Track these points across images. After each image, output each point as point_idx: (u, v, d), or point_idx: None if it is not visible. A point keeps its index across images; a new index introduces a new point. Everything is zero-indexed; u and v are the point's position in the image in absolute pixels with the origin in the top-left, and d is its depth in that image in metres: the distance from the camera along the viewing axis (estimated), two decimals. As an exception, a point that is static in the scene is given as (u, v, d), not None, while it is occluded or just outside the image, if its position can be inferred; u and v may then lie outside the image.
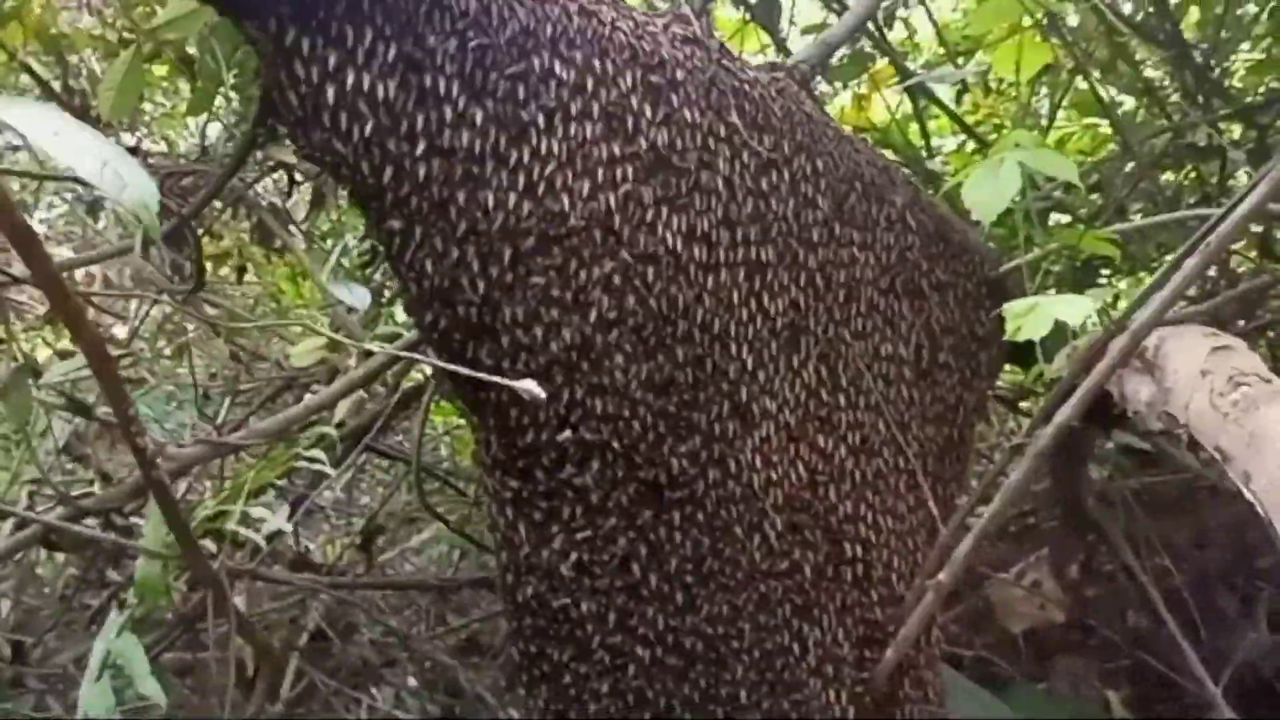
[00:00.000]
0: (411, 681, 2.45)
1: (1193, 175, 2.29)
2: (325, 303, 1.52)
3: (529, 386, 0.75)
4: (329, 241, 2.10)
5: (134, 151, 2.16)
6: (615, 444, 1.04)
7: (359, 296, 1.40)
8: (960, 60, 2.15)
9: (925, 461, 1.43)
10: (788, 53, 1.84)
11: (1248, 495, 0.72)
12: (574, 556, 1.04)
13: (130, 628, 1.02)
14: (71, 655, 1.61)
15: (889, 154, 2.33)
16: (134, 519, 1.49)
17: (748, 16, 2.02)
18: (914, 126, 2.23)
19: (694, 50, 1.14)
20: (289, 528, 1.12)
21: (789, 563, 1.21)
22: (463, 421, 2.26)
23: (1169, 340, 0.92)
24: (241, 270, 2.44)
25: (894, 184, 1.38)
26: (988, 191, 1.35)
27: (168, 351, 2.58)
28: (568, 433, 1.01)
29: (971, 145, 2.21)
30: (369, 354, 1.42)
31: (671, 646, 1.10)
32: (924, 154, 2.25)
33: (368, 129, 0.92)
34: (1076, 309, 1.06)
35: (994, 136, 2.14)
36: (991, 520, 1.08)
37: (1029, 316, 1.08)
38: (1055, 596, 2.25)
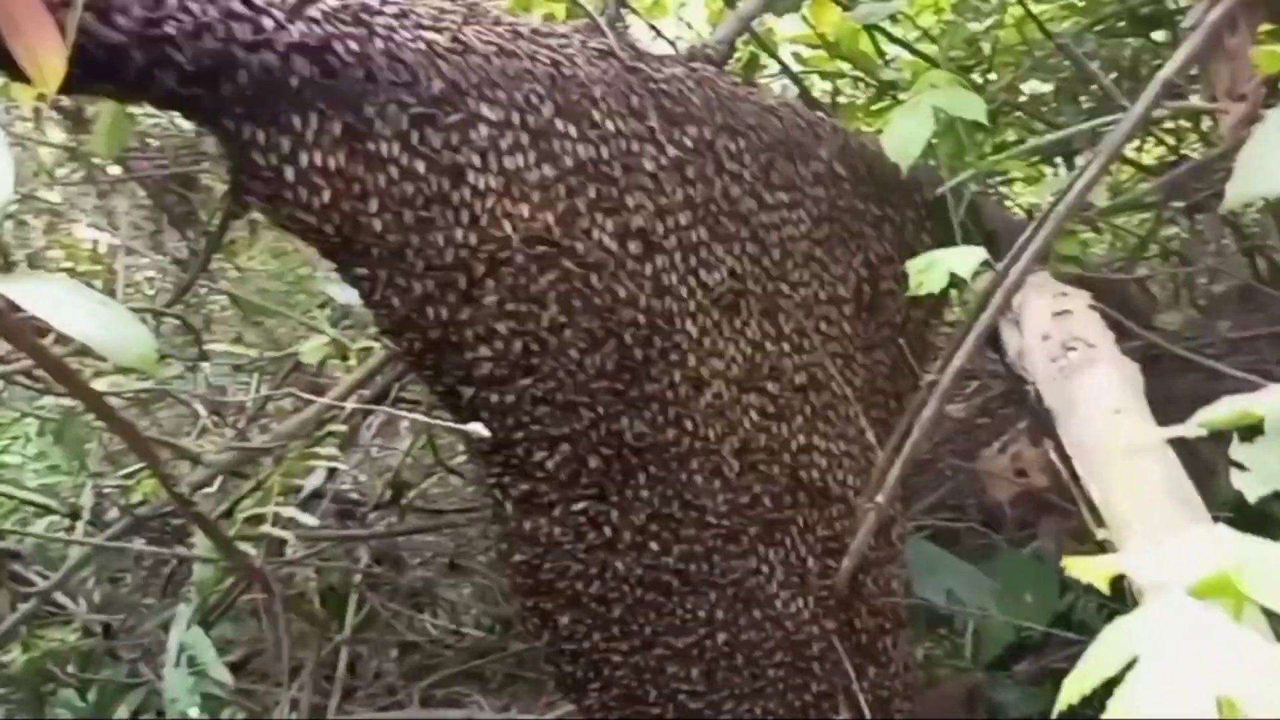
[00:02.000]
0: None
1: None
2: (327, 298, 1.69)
3: (475, 429, 0.92)
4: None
5: (126, 168, 2.32)
6: (577, 427, 1.22)
7: (351, 293, 1.56)
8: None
9: (875, 382, 1.59)
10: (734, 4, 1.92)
11: (1070, 453, 0.87)
12: (555, 526, 1.23)
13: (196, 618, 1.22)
14: (155, 622, 1.85)
15: (844, 65, 2.42)
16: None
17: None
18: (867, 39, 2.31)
19: (610, 62, 1.26)
20: (315, 522, 1.32)
21: (750, 497, 1.39)
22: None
23: (1028, 298, 1.06)
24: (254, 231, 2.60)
25: (820, 139, 1.50)
26: (903, 137, 1.48)
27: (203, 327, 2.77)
28: (534, 426, 1.19)
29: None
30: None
31: (649, 585, 1.30)
32: (879, 63, 2.34)
33: (325, 197, 1.06)
34: (968, 260, 1.20)
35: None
36: (913, 449, 1.25)
37: (927, 271, 1.22)
38: (1037, 464, 2.43)
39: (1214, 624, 0.35)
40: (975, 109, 1.47)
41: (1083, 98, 2.51)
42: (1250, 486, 0.54)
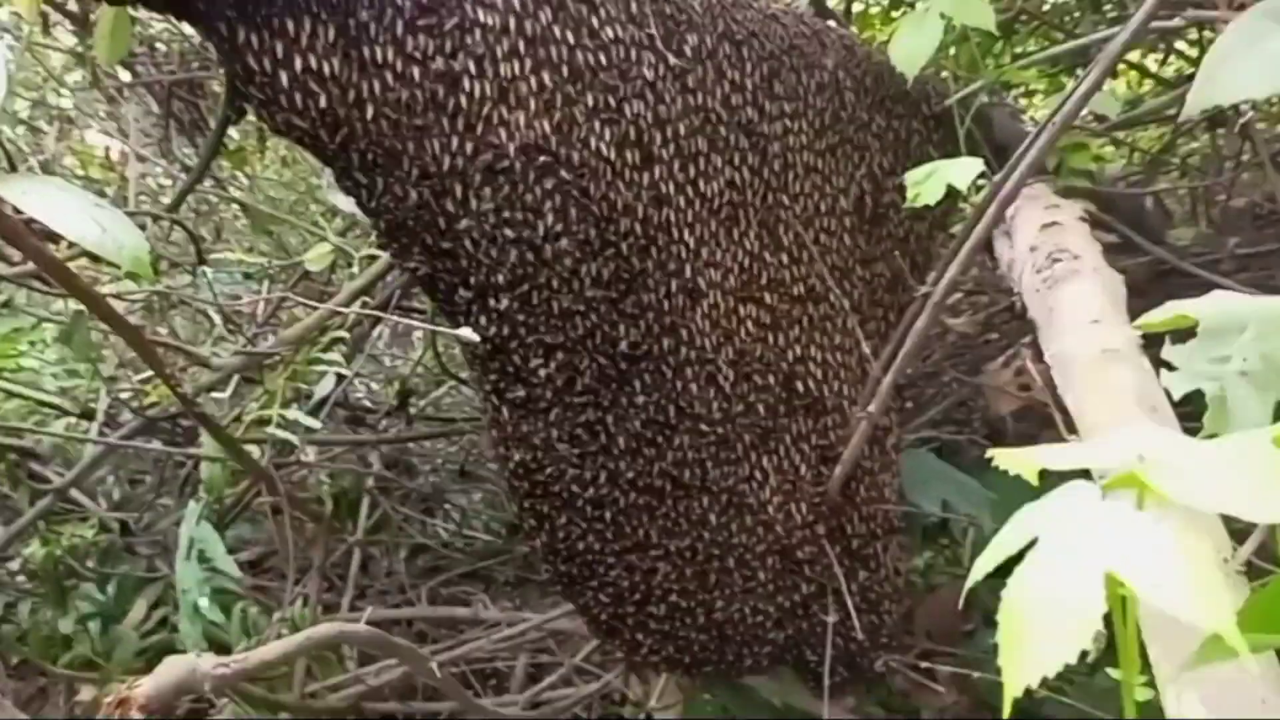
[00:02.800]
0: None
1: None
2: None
3: (465, 334, 0.94)
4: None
5: (134, 74, 2.31)
6: (572, 335, 1.24)
7: (353, 202, 1.58)
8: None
9: (875, 294, 1.60)
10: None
11: (1049, 363, 0.89)
12: (550, 430, 1.26)
13: (206, 514, 1.27)
14: (171, 520, 1.91)
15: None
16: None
17: None
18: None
19: (610, -32, 1.24)
20: (316, 424, 1.35)
21: (744, 405, 1.42)
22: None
23: (1021, 210, 1.06)
24: (263, 139, 2.60)
25: (825, 47, 1.49)
26: (910, 46, 1.46)
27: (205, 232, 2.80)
28: (529, 333, 1.21)
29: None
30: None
31: (643, 489, 1.33)
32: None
33: (321, 103, 1.07)
34: (966, 172, 1.20)
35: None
36: (904, 361, 1.27)
37: (925, 183, 1.22)
38: (1041, 378, 2.44)
39: (1110, 509, 0.37)
40: (984, 17, 1.45)
41: (1107, 6, 2.46)
42: (1176, 385, 0.56)
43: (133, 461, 2.24)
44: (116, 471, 2.09)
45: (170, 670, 0.83)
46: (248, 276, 2.57)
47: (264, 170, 2.69)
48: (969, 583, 0.41)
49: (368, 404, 2.48)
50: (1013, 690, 0.36)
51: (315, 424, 1.27)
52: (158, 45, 2.83)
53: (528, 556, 2.55)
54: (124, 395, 1.84)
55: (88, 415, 1.61)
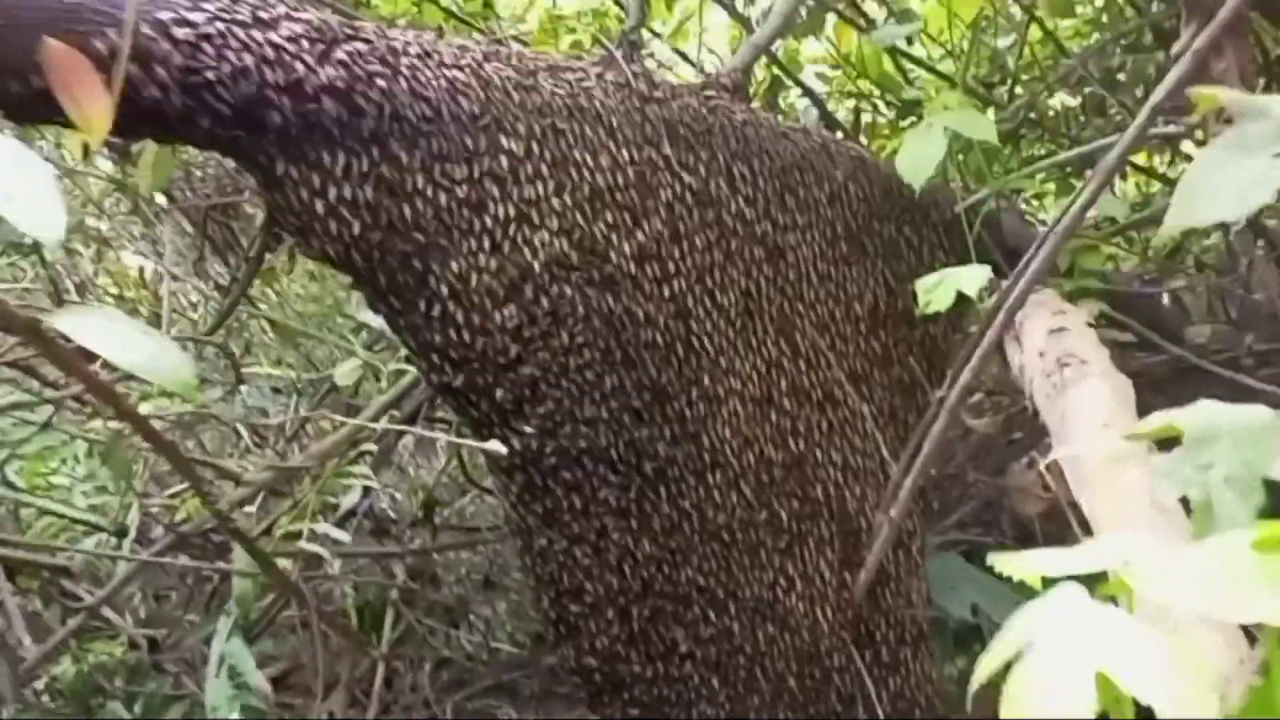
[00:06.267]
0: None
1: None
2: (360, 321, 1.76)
3: (493, 447, 0.97)
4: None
5: (171, 199, 2.42)
6: (596, 445, 1.26)
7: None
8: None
9: (894, 398, 1.62)
10: (752, 31, 1.98)
11: (1062, 467, 0.90)
12: (575, 539, 1.28)
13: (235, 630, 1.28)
14: (198, 637, 1.91)
15: (866, 85, 2.46)
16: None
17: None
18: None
19: (626, 93, 1.31)
20: (346, 537, 1.37)
21: (767, 512, 1.43)
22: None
23: (1029, 316, 1.09)
24: (292, 257, 2.68)
25: (834, 161, 1.55)
26: (915, 157, 1.51)
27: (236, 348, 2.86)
28: (553, 444, 1.24)
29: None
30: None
31: (668, 596, 1.34)
32: (902, 83, 2.38)
33: (354, 230, 1.12)
34: (975, 278, 1.24)
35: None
36: (924, 465, 1.28)
37: (935, 290, 1.26)
38: (1055, 482, 2.43)
39: (1100, 612, 0.38)
40: (985, 130, 1.51)
41: (1112, 110, 2.54)
42: (1166, 490, 0.57)
43: (161, 578, 2.26)
44: (143, 587, 2.11)
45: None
46: (276, 391, 2.63)
47: (291, 285, 2.76)
48: (971, 688, 0.42)
49: (392, 514, 2.49)
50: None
51: (345, 537, 1.30)
52: (194, 170, 2.96)
53: (553, 668, 2.52)
54: (153, 510, 1.87)
55: (120, 533, 1.64)
